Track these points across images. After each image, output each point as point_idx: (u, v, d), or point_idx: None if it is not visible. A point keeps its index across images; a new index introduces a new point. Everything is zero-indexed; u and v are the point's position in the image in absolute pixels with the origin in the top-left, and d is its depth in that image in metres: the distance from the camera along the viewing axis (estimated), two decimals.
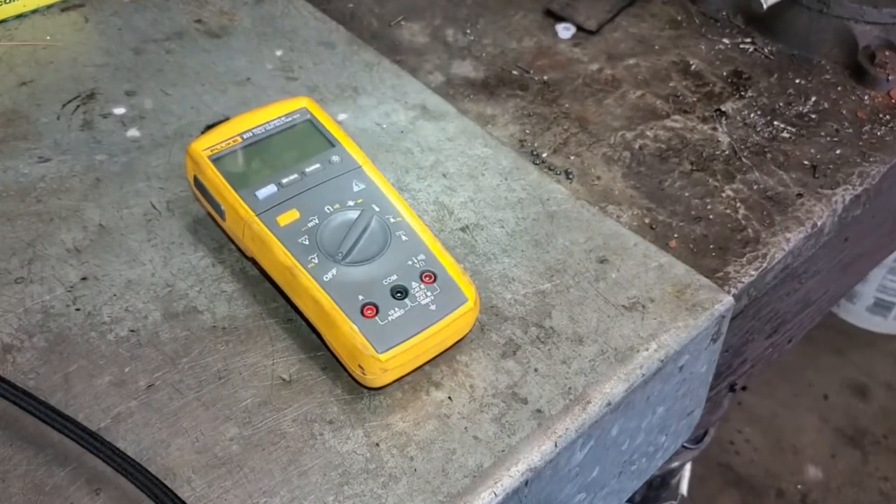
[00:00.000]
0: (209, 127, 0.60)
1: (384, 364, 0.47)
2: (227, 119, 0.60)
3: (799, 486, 1.62)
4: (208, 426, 0.48)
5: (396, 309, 0.48)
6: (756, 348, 0.70)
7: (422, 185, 0.62)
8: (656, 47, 0.77)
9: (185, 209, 0.60)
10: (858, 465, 1.66)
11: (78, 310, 0.53)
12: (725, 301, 0.55)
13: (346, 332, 0.47)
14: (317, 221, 0.51)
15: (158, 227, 0.59)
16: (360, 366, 0.48)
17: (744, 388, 0.77)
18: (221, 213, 0.53)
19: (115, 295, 0.54)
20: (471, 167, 0.64)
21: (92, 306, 0.54)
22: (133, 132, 0.65)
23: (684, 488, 1.13)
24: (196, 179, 0.55)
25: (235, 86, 0.70)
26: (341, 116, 0.67)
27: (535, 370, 0.51)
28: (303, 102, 0.57)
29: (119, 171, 0.62)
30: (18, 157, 0.63)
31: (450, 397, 0.49)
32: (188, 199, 0.60)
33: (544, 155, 0.66)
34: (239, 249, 0.55)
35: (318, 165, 0.54)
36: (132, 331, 0.53)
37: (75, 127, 0.65)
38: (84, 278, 0.55)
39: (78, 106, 0.67)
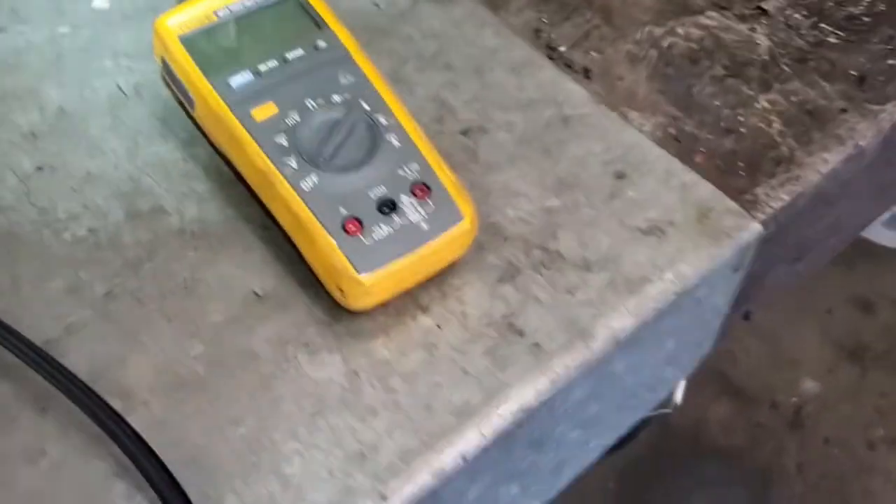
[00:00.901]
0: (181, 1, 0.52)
1: (367, 287, 0.42)
2: None
3: (794, 399, 1.61)
4: (170, 342, 0.43)
5: (382, 225, 0.42)
6: (777, 275, 0.65)
7: (421, 77, 0.55)
8: None
9: (154, 93, 0.53)
10: (857, 381, 1.64)
11: (32, 204, 0.48)
12: (752, 229, 0.49)
13: (325, 250, 0.42)
14: (297, 119, 0.45)
15: (124, 113, 0.52)
16: (339, 287, 0.42)
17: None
18: (191, 103, 0.47)
19: (73, 188, 0.49)
20: (478, 59, 0.56)
21: (47, 200, 0.48)
22: (100, 3, 0.58)
23: (678, 397, 1.10)
24: (164, 62, 0.48)
25: None
26: None
27: (536, 299, 0.45)
28: None
29: (83, 45, 0.55)
30: None
31: (438, 325, 0.44)
32: (158, 83, 0.53)
33: (562, 49, 0.59)
34: (211, 144, 0.49)
35: (301, 52, 0.47)
36: (90, 230, 0.47)
37: None
38: (39, 168, 0.49)
39: None
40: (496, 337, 0.44)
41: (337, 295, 0.43)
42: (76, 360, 0.42)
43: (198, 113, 0.47)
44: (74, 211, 0.48)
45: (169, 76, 0.48)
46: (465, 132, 0.53)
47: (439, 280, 0.46)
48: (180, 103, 0.49)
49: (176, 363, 0.43)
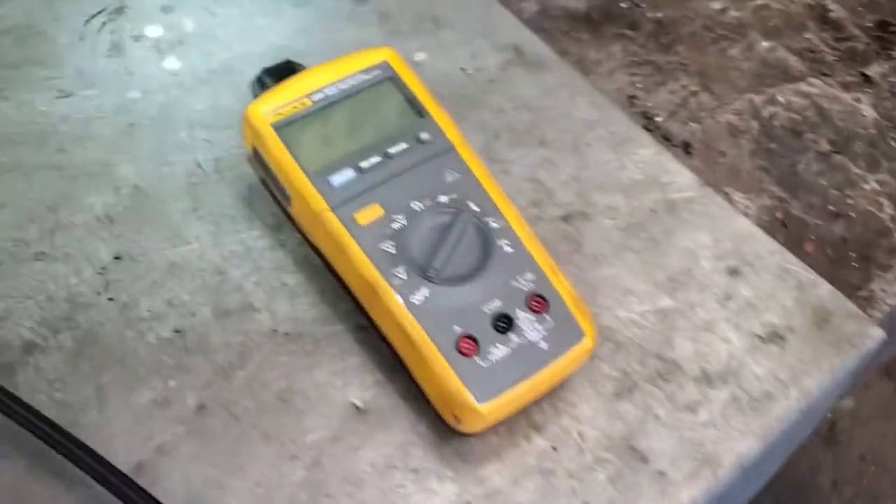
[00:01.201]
0: (268, 71, 0.49)
1: (485, 416, 0.39)
2: (288, 64, 0.50)
3: (828, 415, 1.58)
4: (270, 465, 0.40)
5: (500, 345, 0.40)
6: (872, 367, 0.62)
7: (515, 154, 0.52)
8: None
9: (236, 170, 0.50)
10: (891, 397, 1.62)
11: (111, 299, 0.45)
12: (875, 335, 0.46)
13: (439, 373, 0.39)
14: (404, 222, 0.42)
15: (205, 193, 0.49)
16: (454, 414, 0.39)
17: None
18: (287, 199, 0.44)
19: (155, 282, 0.46)
20: (575, 134, 0.53)
21: (128, 295, 0.45)
22: (171, 62, 0.54)
23: None
24: (256, 151, 0.45)
25: (292, 7, 0.58)
26: (419, 56, 0.56)
27: (656, 417, 0.43)
28: (384, 55, 0.47)
29: (156, 114, 0.52)
30: (35, 89, 0.52)
31: (554, 447, 0.42)
32: (239, 157, 0.50)
33: (659, 119, 0.56)
34: (303, 235, 0.46)
35: (403, 145, 0.44)
36: (177, 331, 0.44)
37: (102, 51, 0.55)
38: (118, 257, 0.46)
39: (104, 23, 0.56)
40: (617, 462, 0.41)
41: (450, 420, 0.40)
42: (171, 487, 0.39)
43: (294, 209, 0.44)
44: (158, 309, 0.45)
45: (262, 167, 0.45)
46: (565, 218, 0.50)
47: (551, 393, 0.43)
48: (272, 194, 0.46)
49: (277, 489, 0.40)
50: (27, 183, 0.48)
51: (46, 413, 0.40)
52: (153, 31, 0.56)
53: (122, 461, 0.39)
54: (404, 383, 0.43)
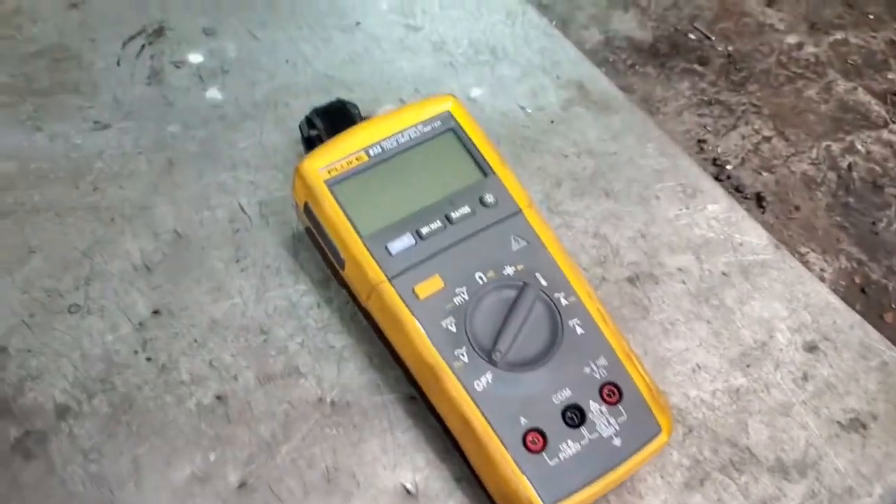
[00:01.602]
0: (317, 112, 0.46)
1: None
2: (339, 104, 0.46)
3: None
4: None
5: (570, 442, 0.37)
6: None
7: (578, 205, 0.49)
8: (870, 15, 0.60)
9: (281, 216, 0.47)
10: None
11: (149, 359, 0.42)
12: None
13: (502, 470, 0.36)
14: (465, 297, 0.39)
15: (249, 242, 0.46)
16: None
17: None
18: (340, 262, 0.41)
19: (195, 341, 0.43)
20: (641, 183, 0.50)
21: (167, 356, 0.42)
22: (213, 93, 0.51)
23: None
24: (307, 208, 0.42)
25: (341, 32, 0.55)
26: (475, 92, 0.53)
27: None
28: (447, 104, 0.43)
29: (197, 151, 0.49)
30: (69, 119, 0.49)
31: None
32: (283, 201, 0.47)
33: (729, 167, 0.53)
34: (349, 291, 0.43)
35: (466, 209, 0.41)
36: (218, 397, 0.41)
37: (140, 78, 0.51)
38: (156, 311, 0.44)
39: (143, 46, 0.53)
40: None
41: None
42: None
43: (347, 273, 0.41)
44: (199, 371, 0.42)
45: (313, 225, 0.42)
46: (632, 280, 0.46)
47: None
48: (322, 252, 0.43)
49: None
50: (61, 225, 0.46)
51: (80, 488, 0.38)
52: (194, 56, 0.52)
53: None
54: (458, 464, 0.40)
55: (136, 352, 0.42)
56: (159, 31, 0.53)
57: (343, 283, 0.43)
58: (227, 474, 0.39)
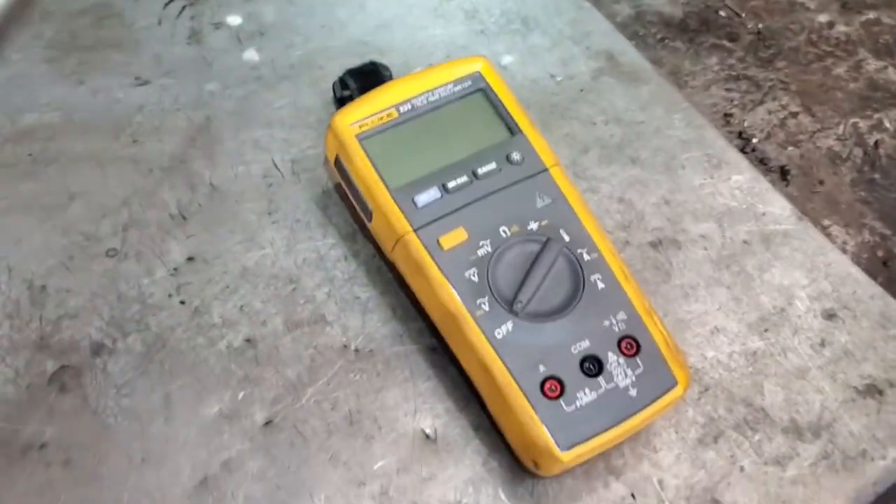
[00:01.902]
0: (351, 73, 0.47)
1: (565, 464, 0.37)
2: (372, 66, 0.48)
3: None
4: (336, 490, 0.39)
5: (587, 390, 0.38)
6: None
7: (604, 171, 0.50)
8: None
9: (312, 172, 0.48)
10: None
11: (182, 302, 0.44)
12: None
13: (520, 416, 0.37)
14: (489, 249, 0.40)
15: (281, 196, 0.48)
16: (533, 460, 0.38)
17: None
18: (368, 213, 0.42)
19: (227, 287, 0.44)
20: (668, 153, 0.50)
21: (200, 300, 0.44)
22: (251, 54, 0.53)
23: None
24: (338, 161, 0.43)
25: None
26: (506, 59, 0.54)
27: (741, 469, 0.40)
28: (477, 65, 0.44)
29: (234, 109, 0.50)
30: (111, 75, 0.51)
31: (633, 494, 0.40)
32: (315, 159, 0.49)
33: (755, 140, 0.53)
34: (375, 245, 0.45)
35: (493, 165, 0.42)
36: (248, 340, 0.43)
37: (181, 38, 0.53)
38: (191, 258, 0.45)
39: (184, 7, 0.54)
40: None
41: (527, 463, 0.38)
42: None
43: (374, 225, 0.42)
44: (230, 316, 0.43)
45: (343, 178, 0.43)
46: (655, 244, 0.47)
47: (633, 436, 0.41)
48: (349, 204, 0.44)
49: None
50: (101, 174, 0.47)
51: (112, 420, 0.40)
52: (233, 19, 0.54)
53: (188, 475, 0.39)
54: (476, 413, 0.41)
55: (170, 295, 0.44)
56: None
57: (370, 237, 0.44)
58: (254, 413, 0.41)
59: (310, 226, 0.47)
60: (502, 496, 0.39)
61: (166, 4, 0.54)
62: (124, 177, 0.47)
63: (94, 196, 0.47)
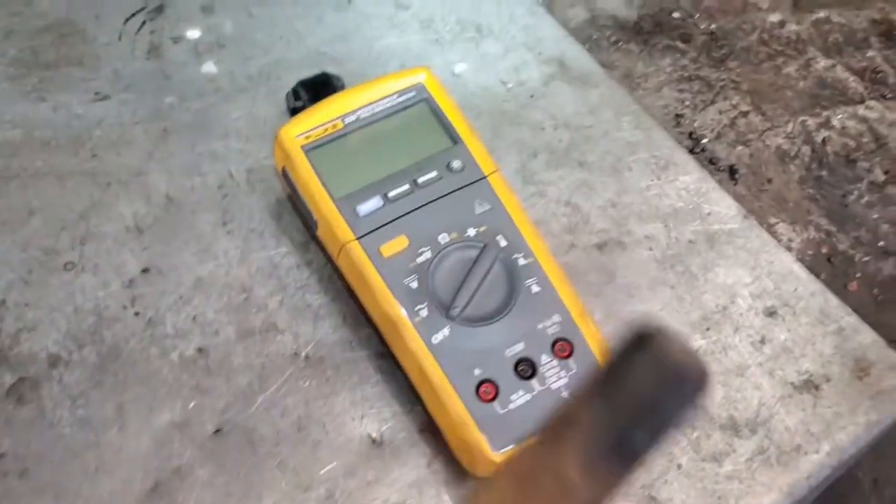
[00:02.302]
0: (303, 84, 0.49)
1: (499, 465, 0.38)
2: (324, 76, 0.49)
3: None
4: (283, 496, 0.40)
5: (521, 392, 0.39)
6: None
7: (552, 175, 0.51)
8: None
9: (267, 182, 0.50)
10: None
11: (137, 314, 0.45)
12: None
13: (455, 419, 0.38)
14: (428, 255, 0.41)
15: (236, 206, 0.49)
16: (469, 462, 0.39)
17: None
18: (313, 223, 0.43)
19: (181, 297, 0.46)
20: (615, 156, 0.51)
21: (154, 311, 0.45)
22: (209, 67, 0.54)
23: None
24: (285, 172, 0.44)
25: (334, 10, 0.57)
26: (459, 67, 0.55)
27: (679, 466, 0.42)
28: (421, 76, 0.45)
29: (191, 121, 0.52)
30: (72, 90, 0.52)
31: None
32: (270, 169, 0.50)
33: (705, 140, 0.54)
34: (325, 254, 0.46)
35: (434, 174, 0.43)
36: (200, 350, 0.44)
37: (140, 53, 0.54)
38: (145, 270, 0.46)
39: (144, 22, 0.55)
40: None
41: (464, 463, 0.40)
42: None
43: (321, 233, 0.43)
44: (183, 326, 0.45)
45: (291, 188, 0.44)
46: (600, 246, 0.48)
47: None
48: (300, 214, 0.46)
49: None
50: (61, 189, 0.49)
51: (67, 430, 0.41)
52: (192, 32, 0.55)
53: (140, 482, 0.40)
54: (421, 416, 0.42)
55: (125, 307, 0.45)
56: (160, 9, 0.56)
57: (318, 243, 0.45)
58: (205, 421, 0.42)
59: (263, 235, 0.48)
60: (445, 498, 0.41)
61: (127, 20, 0.55)
62: (83, 191, 0.49)
63: (54, 210, 0.48)
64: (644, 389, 0.19)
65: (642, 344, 0.19)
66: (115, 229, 0.48)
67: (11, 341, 0.44)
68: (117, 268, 0.46)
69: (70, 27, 0.55)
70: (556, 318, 0.40)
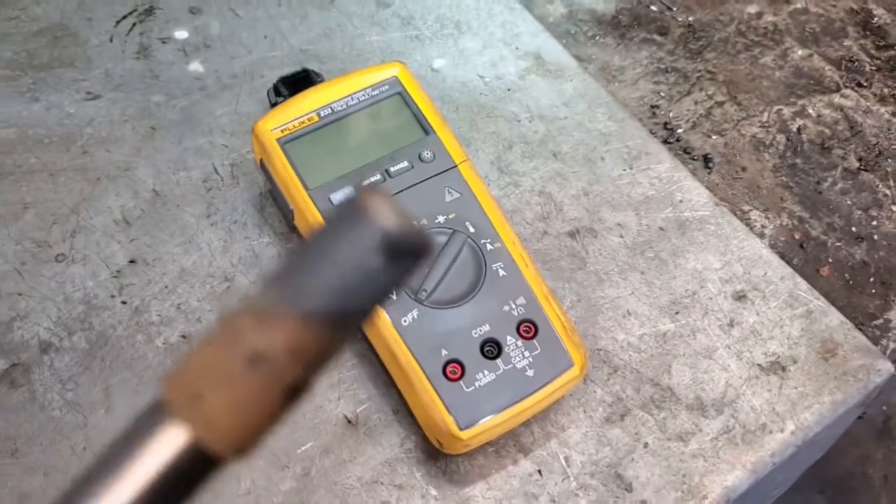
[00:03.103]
0: (283, 81, 0.50)
1: (465, 442, 0.39)
2: (304, 73, 0.50)
3: (884, 408, 1.54)
4: (262, 474, 0.42)
5: (486, 372, 0.40)
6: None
7: (526, 166, 0.52)
8: None
9: (251, 177, 0.51)
10: None
11: (124, 303, 0.47)
12: (883, 370, 0.45)
13: (423, 397, 0.40)
14: None
15: (219, 199, 0.50)
16: (437, 440, 0.40)
17: None
18: (289, 212, 0.45)
19: (166, 287, 0.47)
20: (588, 146, 0.53)
21: (140, 300, 0.47)
22: (195, 66, 0.56)
23: None
24: (262, 164, 0.46)
25: (317, 10, 0.59)
26: (438, 63, 0.56)
27: (645, 445, 0.43)
28: (394, 70, 0.47)
29: (178, 118, 0.53)
30: (64, 90, 0.54)
31: (539, 471, 0.42)
32: (254, 164, 0.51)
33: (680, 131, 0.55)
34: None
35: (405, 164, 0.44)
36: (183, 336, 0.46)
37: (130, 53, 0.56)
38: (132, 261, 0.48)
39: (134, 24, 0.57)
40: (601, 489, 0.41)
41: (433, 441, 0.41)
42: None
43: (297, 222, 0.45)
44: (168, 313, 0.46)
45: (268, 180, 0.46)
46: (572, 233, 0.49)
47: (542, 415, 0.43)
48: (278, 205, 0.47)
49: (266, 497, 0.41)
50: (53, 185, 0.50)
51: (56, 413, 0.43)
52: (180, 33, 0.57)
53: None
54: (395, 398, 0.44)
55: (112, 296, 0.47)
56: (149, 10, 0.58)
57: (293, 229, 0.47)
58: None
59: (246, 226, 0.49)
60: (417, 475, 0.42)
61: (118, 22, 0.57)
62: (74, 186, 0.50)
63: (46, 205, 0.50)
64: (354, 253, 0.18)
65: (357, 210, 0.18)
66: (103, 222, 0.49)
67: (5, 329, 0.46)
68: (106, 259, 0.48)
69: (63, 30, 0.57)
70: (521, 300, 0.42)
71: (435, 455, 0.42)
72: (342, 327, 0.19)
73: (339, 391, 0.44)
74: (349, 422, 0.43)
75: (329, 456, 0.42)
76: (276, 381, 0.19)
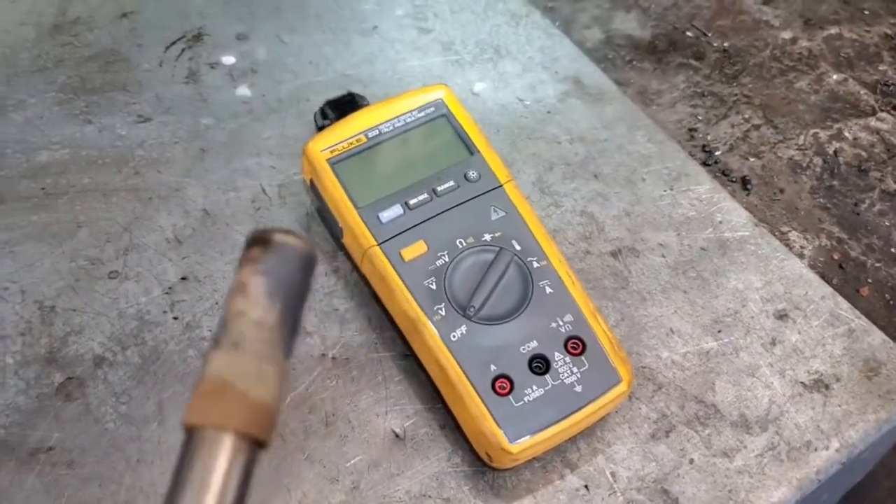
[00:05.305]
0: (330, 104, 0.51)
1: (515, 456, 0.40)
2: (350, 96, 0.52)
3: None
4: (312, 487, 0.43)
5: (535, 387, 0.41)
6: None
7: (567, 187, 0.53)
8: (866, 11, 0.63)
9: (298, 198, 0.52)
10: None
11: (175, 318, 0.48)
12: None
13: (473, 412, 0.40)
14: (446, 259, 0.43)
15: (268, 218, 0.52)
16: (486, 453, 0.41)
17: None
18: (339, 231, 0.46)
19: (216, 303, 0.48)
20: (629, 168, 0.54)
21: (191, 315, 0.48)
22: (243, 90, 0.57)
23: None
24: (312, 184, 0.47)
25: (360, 36, 0.60)
26: (478, 86, 0.57)
27: (691, 461, 0.43)
28: (440, 92, 0.48)
29: (226, 140, 0.55)
30: (116, 114, 0.56)
31: (586, 486, 0.42)
32: (300, 183, 0.53)
33: (718, 153, 0.55)
34: (351, 261, 0.48)
35: (451, 183, 0.45)
36: None
37: (179, 78, 0.58)
38: (184, 278, 0.49)
39: (183, 49, 0.59)
40: None
41: (482, 455, 0.42)
42: None
43: (346, 240, 0.46)
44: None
45: (318, 199, 0.47)
46: (615, 253, 0.50)
47: (588, 432, 0.44)
48: (326, 224, 0.48)
49: None
50: (105, 203, 0.52)
51: (111, 425, 0.44)
52: (228, 58, 0.58)
53: None
54: (442, 413, 0.44)
55: (164, 312, 0.48)
56: (198, 37, 0.59)
57: (344, 250, 0.48)
58: None
59: None
60: (465, 489, 0.42)
61: (167, 48, 0.59)
62: (126, 205, 0.52)
63: (99, 224, 0.51)
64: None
65: (264, 242, 0.26)
66: (155, 240, 0.51)
67: (60, 343, 0.47)
68: (158, 276, 0.49)
69: (115, 55, 0.59)
70: (569, 317, 0.42)
71: (482, 470, 0.43)
72: None
73: (387, 406, 0.45)
74: (397, 436, 0.44)
75: (378, 469, 0.43)
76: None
